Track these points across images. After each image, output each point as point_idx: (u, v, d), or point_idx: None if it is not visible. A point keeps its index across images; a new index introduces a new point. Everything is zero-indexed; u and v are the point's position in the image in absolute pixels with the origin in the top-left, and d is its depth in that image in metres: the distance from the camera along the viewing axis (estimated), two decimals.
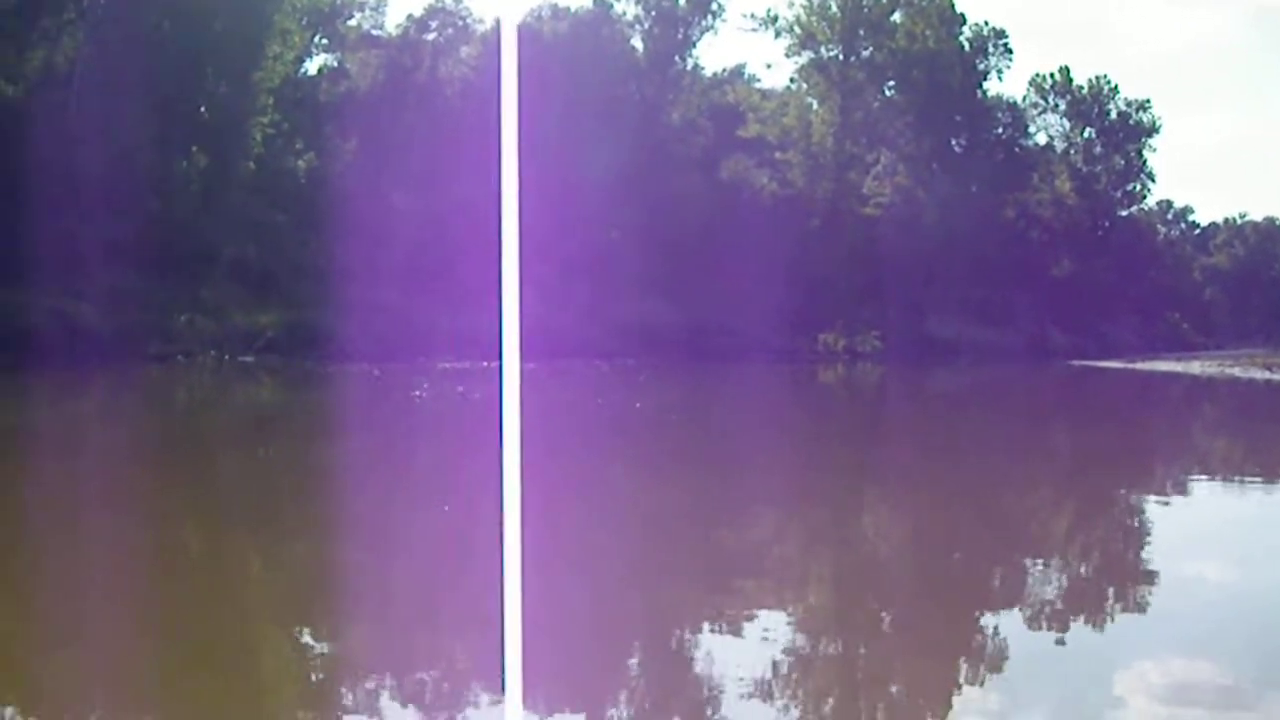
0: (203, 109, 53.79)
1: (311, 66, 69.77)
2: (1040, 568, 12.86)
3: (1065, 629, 10.29)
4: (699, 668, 9.02)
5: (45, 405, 30.65)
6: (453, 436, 25.22)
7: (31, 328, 38.54)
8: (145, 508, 15.28)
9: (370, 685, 8.25)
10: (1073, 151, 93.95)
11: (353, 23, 69.82)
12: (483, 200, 48.26)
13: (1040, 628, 10.30)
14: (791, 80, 79.52)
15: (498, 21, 65.70)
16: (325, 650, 9.19)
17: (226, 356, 43.21)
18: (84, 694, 7.77)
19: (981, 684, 8.78)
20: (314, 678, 8.55)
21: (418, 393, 34.70)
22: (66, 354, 38.29)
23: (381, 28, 68.85)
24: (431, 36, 64.56)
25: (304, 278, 50.87)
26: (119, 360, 39.49)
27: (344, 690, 8.16)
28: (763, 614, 10.48)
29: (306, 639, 9.58)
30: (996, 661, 9.28)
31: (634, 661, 9.43)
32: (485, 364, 45.39)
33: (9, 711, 7.24)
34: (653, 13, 69.06)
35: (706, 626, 10.13)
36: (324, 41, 69.83)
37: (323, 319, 47.65)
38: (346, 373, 40.61)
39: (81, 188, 44.98)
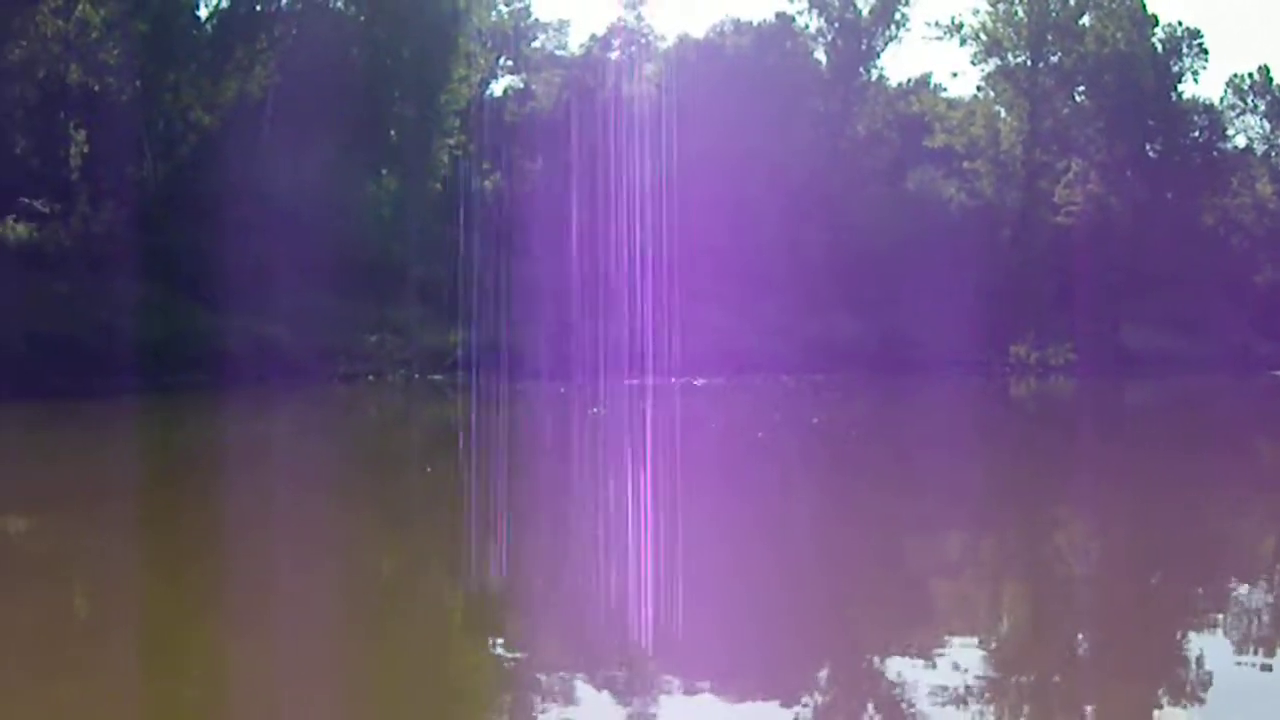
0: (391, 132, 54.41)
1: (497, 88, 70.45)
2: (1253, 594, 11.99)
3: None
4: (896, 691, 8.85)
5: (244, 422, 31.40)
6: (629, 452, 24.82)
7: (226, 349, 39.24)
8: (369, 517, 16.06)
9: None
10: (1274, 154, 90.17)
11: (536, 44, 70.21)
12: (663, 217, 48.12)
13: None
14: (978, 88, 77.65)
15: (681, 39, 65.80)
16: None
17: (415, 375, 43.48)
18: None
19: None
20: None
21: (596, 409, 34.40)
22: (259, 373, 38.92)
23: (565, 48, 69.20)
24: (614, 55, 64.50)
25: (491, 296, 51.00)
26: (309, 379, 40.05)
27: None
28: (956, 642, 10.02)
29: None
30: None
31: (828, 685, 9.22)
32: (671, 380, 45.08)
33: None
34: (836, 24, 68.11)
35: (897, 653, 9.80)
36: (509, 63, 70.38)
37: (510, 337, 47.70)
38: (533, 390, 40.56)
39: (274, 212, 45.71)
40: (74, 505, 16.63)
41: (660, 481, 20.23)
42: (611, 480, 20.32)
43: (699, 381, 46.22)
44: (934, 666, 9.37)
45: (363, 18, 53.84)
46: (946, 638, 10.28)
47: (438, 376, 43.80)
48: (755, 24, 66.77)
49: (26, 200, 42.84)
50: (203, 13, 51.60)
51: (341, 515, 16.35)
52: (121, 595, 11.59)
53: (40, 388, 33.00)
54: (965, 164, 73.74)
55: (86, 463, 21.73)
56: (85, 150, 46.11)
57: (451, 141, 55.83)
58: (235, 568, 12.55)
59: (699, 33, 67.47)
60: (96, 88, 47.11)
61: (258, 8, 52.22)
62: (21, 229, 41.40)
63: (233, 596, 11.42)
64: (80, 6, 45.15)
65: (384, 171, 55.82)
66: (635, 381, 44.32)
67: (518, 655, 9.86)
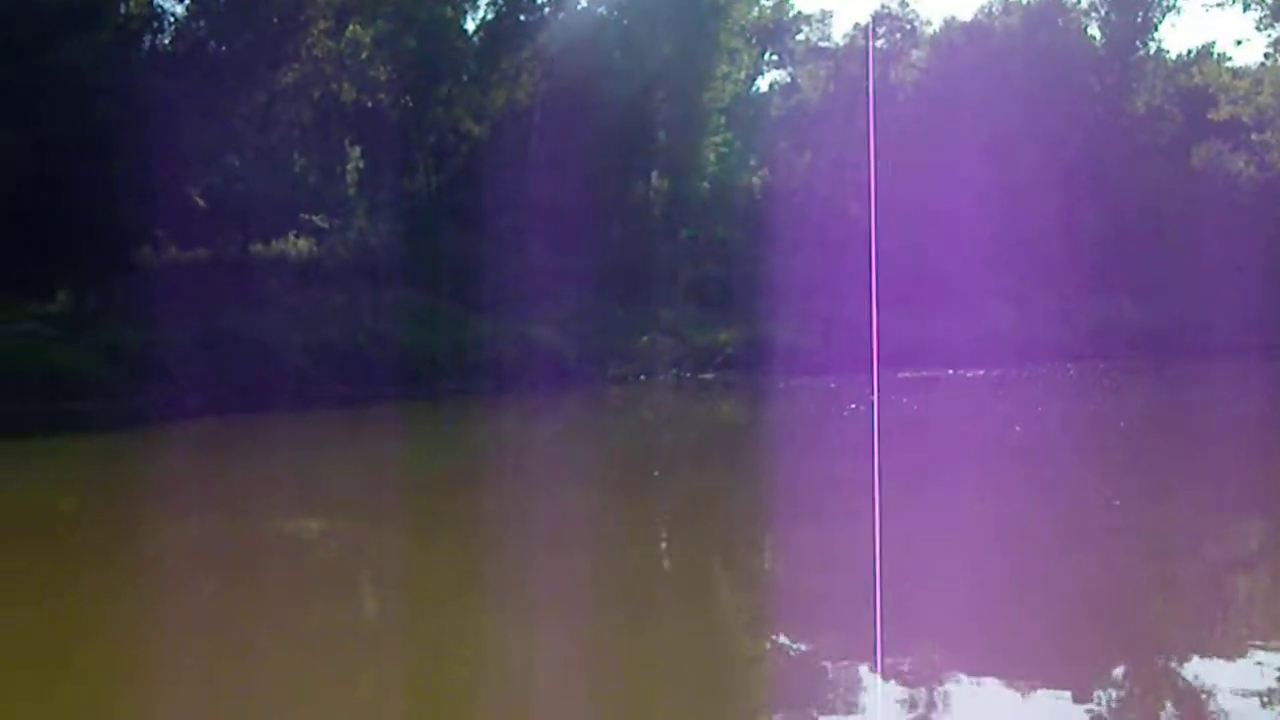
0: (660, 134, 54.02)
1: (763, 83, 69.53)
2: None
3: None
4: (1194, 690, 8.47)
5: (523, 426, 31.52)
6: (901, 447, 23.61)
7: (497, 355, 39.33)
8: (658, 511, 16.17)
9: None
10: None
11: (800, 37, 68.98)
12: (938, 205, 46.35)
13: None
14: (1266, 56, 73.04)
15: (947, 23, 63.72)
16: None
17: (686, 374, 42.86)
18: None
19: None
20: None
21: (853, 406, 33.14)
22: (529, 379, 38.88)
23: (829, 39, 67.69)
24: (879, 43, 62.79)
25: (761, 293, 50.10)
26: (580, 382, 39.87)
27: None
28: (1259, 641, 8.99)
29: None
30: None
31: (1122, 681, 8.84)
32: (950, 372, 43.46)
33: None
34: None
35: (1197, 652, 9.25)
36: (774, 57, 69.34)
37: (780, 333, 46.71)
38: (804, 386, 39.47)
39: (543, 218, 45.75)
40: (397, 507, 17.22)
41: (939, 475, 19.56)
42: (887, 475, 19.18)
43: (976, 373, 44.41)
44: (1235, 665, 8.83)
45: (624, 20, 53.55)
46: (1249, 637, 9.65)
47: (708, 375, 43.09)
48: (1024, 2, 64.16)
49: (306, 216, 43.81)
50: (469, 25, 52.09)
51: (643, 512, 16.59)
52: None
53: (320, 397, 33.50)
54: (1254, 136, 69.44)
55: (385, 467, 22.02)
56: (360, 165, 46.95)
57: (717, 139, 55.12)
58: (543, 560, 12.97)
59: (965, 15, 65.28)
60: (369, 104, 47.98)
61: (522, 17, 52.44)
62: (302, 244, 42.37)
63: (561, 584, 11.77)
64: (350, 27, 45.98)
65: (654, 174, 55.55)
66: (909, 374, 42.77)
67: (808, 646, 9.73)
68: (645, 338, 44.04)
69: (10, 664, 9.43)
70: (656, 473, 21.13)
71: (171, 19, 41.59)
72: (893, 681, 8.61)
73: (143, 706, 8.73)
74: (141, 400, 30.76)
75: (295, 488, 19.41)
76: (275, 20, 38.34)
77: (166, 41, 40.99)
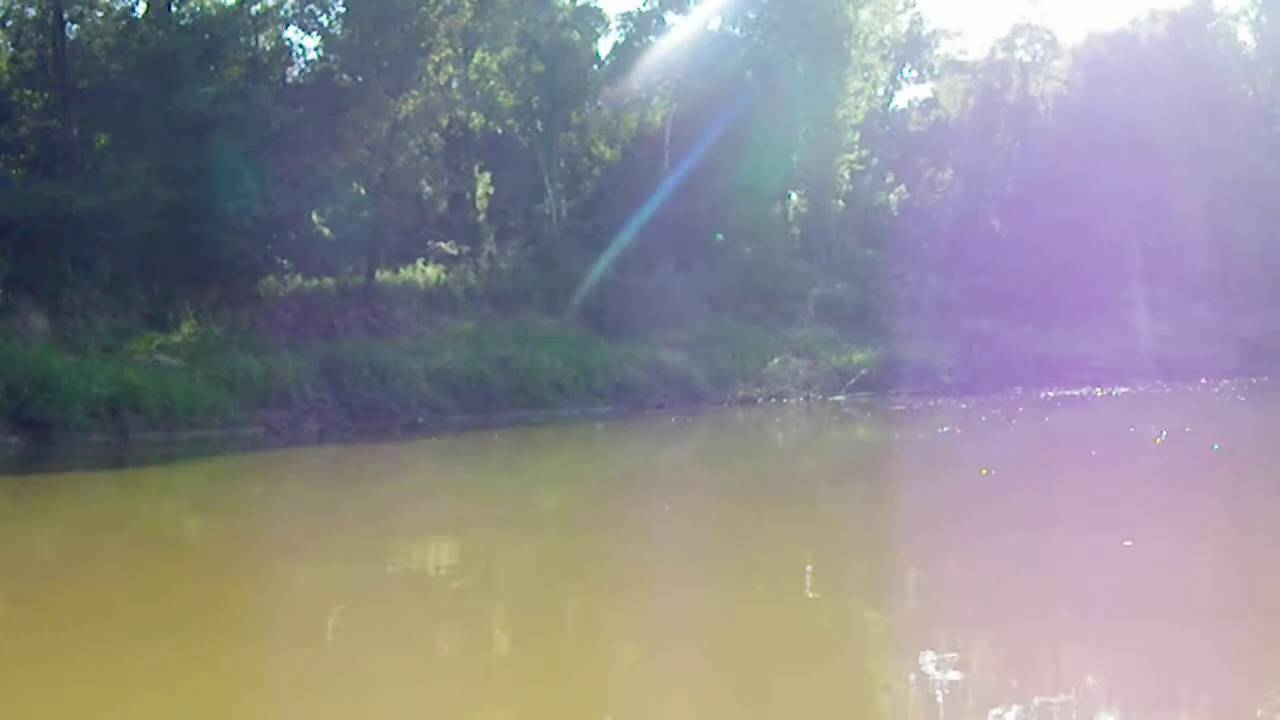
0: (793, 152, 53.00)
1: (900, 99, 68.18)
2: None
3: None
4: None
5: (654, 448, 30.89)
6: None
7: (625, 377, 38.75)
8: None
9: None
10: None
11: (939, 51, 67.48)
12: (1079, 222, 44.64)
13: None
14: None
15: (1090, 34, 61.77)
16: None
17: (817, 396, 41.70)
18: None
19: None
20: None
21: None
22: (657, 401, 38.26)
23: (966, 53, 66.05)
24: (1019, 55, 61.01)
25: (897, 313, 48.87)
26: (709, 405, 39.12)
27: None
28: None
29: None
30: None
31: None
32: (1096, 391, 41.80)
33: None
34: (1260, 1, 62.21)
35: None
36: (912, 73, 68.00)
37: (917, 353, 45.37)
38: (941, 407, 38.12)
39: (674, 238, 45.14)
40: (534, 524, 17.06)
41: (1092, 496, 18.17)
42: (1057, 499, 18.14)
43: (1122, 390, 42.60)
44: None
45: (755, 39, 52.74)
46: None
47: (840, 397, 41.87)
48: (1172, 10, 61.89)
49: (434, 243, 43.65)
50: (598, 49, 51.77)
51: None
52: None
53: (443, 424, 33.16)
54: None
55: (515, 492, 21.63)
56: (489, 191, 46.69)
57: (852, 156, 53.93)
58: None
59: (1108, 26, 63.19)
60: (498, 130, 47.75)
61: (651, 39, 51.95)
62: (431, 271, 42.14)
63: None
64: (477, 54, 45.80)
65: (791, 194, 54.59)
66: (1053, 393, 41.18)
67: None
68: (776, 359, 42.98)
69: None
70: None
71: (299, 51, 41.88)
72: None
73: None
74: (261, 428, 30.69)
75: (417, 512, 19.01)
76: (400, 49, 38.15)
77: (294, 74, 41.16)
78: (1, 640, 10.31)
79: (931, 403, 39.72)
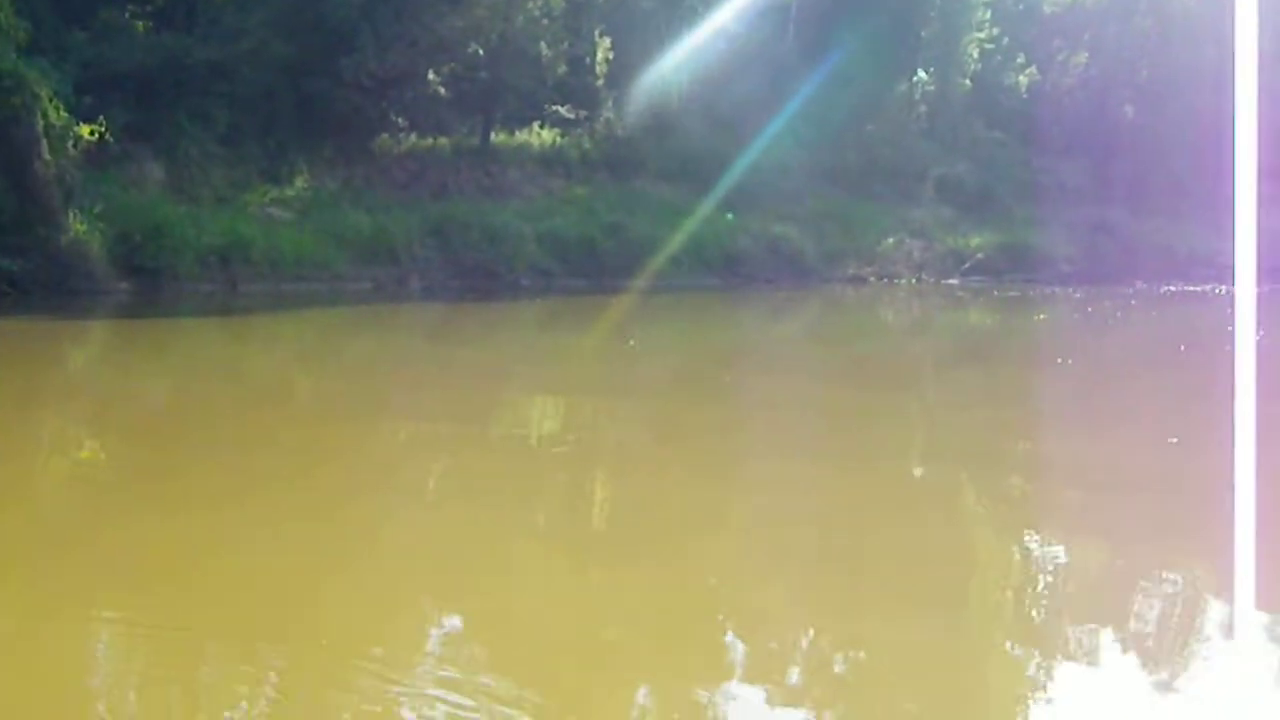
0: (921, 29, 51.61)
1: None
2: None
3: None
4: None
5: (764, 321, 30.77)
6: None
7: (738, 251, 38.37)
8: None
9: None
10: None
11: None
12: (1217, 112, 43.03)
13: None
14: None
15: None
16: None
17: (928, 279, 40.95)
18: None
19: None
20: None
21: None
22: (768, 276, 37.87)
23: None
24: None
25: (1020, 198, 47.71)
26: (819, 282, 38.73)
27: None
28: None
29: None
30: None
31: None
32: (1217, 289, 40.56)
33: None
34: None
35: None
36: None
37: (1035, 240, 44.36)
38: (1057, 296, 37.27)
39: (796, 114, 44.23)
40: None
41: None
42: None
43: (1248, 289, 41.15)
44: None
45: None
46: None
47: (953, 281, 41.08)
48: None
49: (551, 107, 43.21)
50: None
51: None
52: None
53: (550, 288, 33.13)
54: None
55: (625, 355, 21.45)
56: (610, 57, 46.00)
57: (982, 35, 52.40)
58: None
59: None
60: None
61: None
62: (546, 135, 41.81)
63: None
64: None
65: (918, 72, 53.24)
66: (1175, 288, 40.05)
67: None
68: (891, 239, 42.21)
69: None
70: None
71: None
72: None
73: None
74: (367, 283, 30.88)
75: (522, 373, 18.95)
76: None
77: None
78: (115, 486, 10.38)
79: (1047, 291, 38.87)
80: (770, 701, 5.84)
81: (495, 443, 12.94)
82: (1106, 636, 7.01)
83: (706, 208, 39.54)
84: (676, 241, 37.05)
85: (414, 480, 10.85)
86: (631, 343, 22.86)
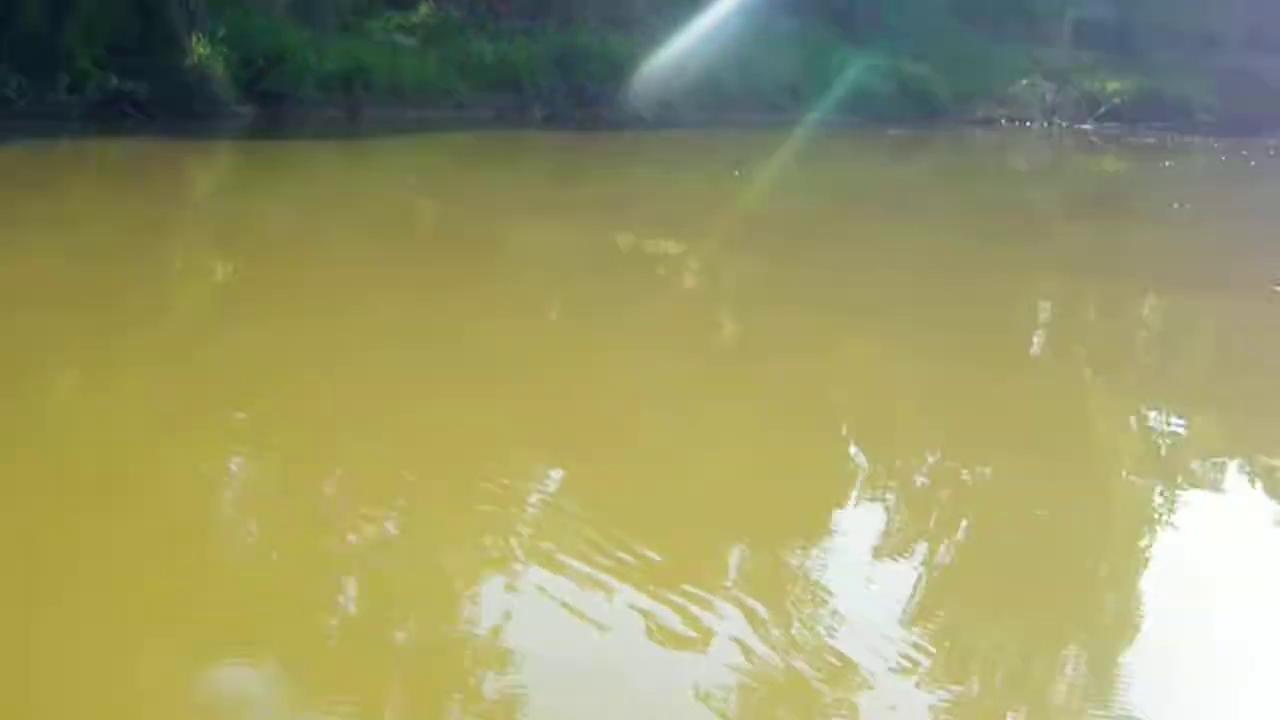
0: None
1: None
2: None
3: None
4: None
5: (890, 160, 30.62)
6: None
7: (870, 88, 37.38)
8: None
9: None
10: None
11: None
12: None
13: None
14: None
15: None
16: None
17: (1062, 123, 39.79)
18: None
19: None
20: None
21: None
22: (899, 113, 36.98)
23: None
24: None
25: (1160, 43, 45.87)
26: (948, 122, 38.00)
27: None
28: None
29: None
30: None
31: None
32: None
33: None
34: None
35: None
36: None
37: (1174, 88, 42.80)
38: (1189, 145, 36.14)
39: None
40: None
41: None
42: None
43: None
44: None
45: None
46: None
47: (1086, 126, 39.89)
48: None
49: None
50: None
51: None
52: None
53: (674, 119, 32.72)
54: None
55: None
56: None
57: None
58: None
59: None
60: None
61: None
62: None
63: None
64: None
65: None
66: None
67: None
68: (1024, 80, 40.99)
69: None
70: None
71: None
72: None
73: None
74: (488, 111, 30.79)
75: (643, 206, 19.02)
76: None
77: None
78: (242, 298, 10.60)
79: (1184, 139, 37.69)
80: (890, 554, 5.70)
81: (613, 268, 12.92)
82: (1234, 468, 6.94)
83: (835, 44, 38.63)
84: (804, 78, 36.32)
85: (534, 299, 10.89)
86: (736, 173, 22.64)
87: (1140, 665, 5.05)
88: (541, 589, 5.24)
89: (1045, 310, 12.75)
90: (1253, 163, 31.15)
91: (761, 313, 11.35)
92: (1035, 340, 11.30)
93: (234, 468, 6.43)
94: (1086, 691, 4.85)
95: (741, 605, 5.20)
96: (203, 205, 16.98)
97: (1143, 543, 6.23)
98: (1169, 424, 8.50)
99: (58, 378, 7.87)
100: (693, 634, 4.96)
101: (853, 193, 22.74)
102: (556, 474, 6.69)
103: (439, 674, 4.72)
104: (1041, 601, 5.55)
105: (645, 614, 5.06)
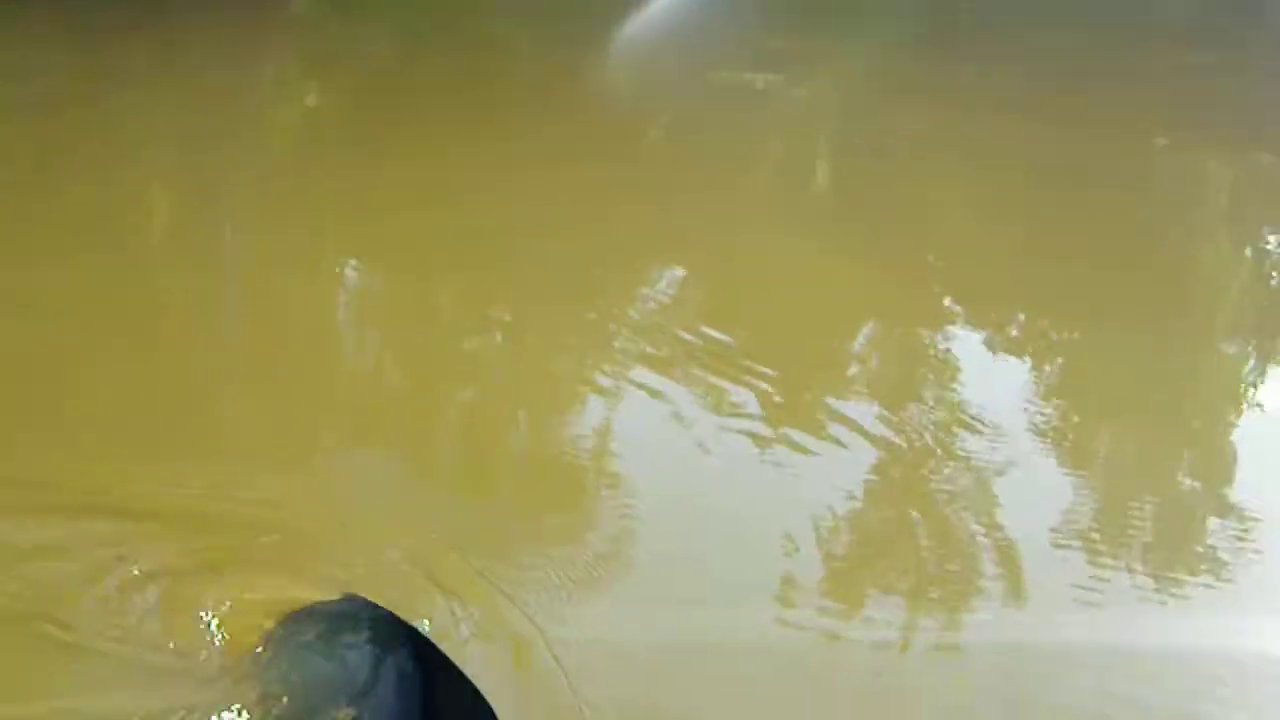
0: None
1: None
2: None
3: None
4: None
5: None
6: None
7: None
8: None
9: None
10: None
11: None
12: None
13: None
14: None
15: None
16: None
17: None
18: None
19: None
20: None
21: None
22: None
23: None
24: None
25: None
26: None
27: None
28: None
29: None
30: None
31: None
32: None
33: None
34: None
35: None
36: None
37: None
38: None
39: None
40: None
41: None
42: None
43: None
44: None
45: None
46: None
47: None
48: None
49: None
50: None
51: None
52: None
53: None
54: None
55: None
56: None
57: None
58: None
59: None
60: None
61: None
62: None
63: None
64: None
65: None
66: None
67: None
68: None
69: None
70: None
71: None
72: None
73: None
74: None
75: None
76: None
77: None
78: (342, 140, 10.18)
79: None
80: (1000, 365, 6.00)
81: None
82: None
83: None
84: None
85: (634, 137, 10.38)
86: None
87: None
88: (644, 398, 5.33)
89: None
90: None
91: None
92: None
93: (364, 285, 6.71)
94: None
95: (857, 412, 5.34)
96: (299, 30, 15.79)
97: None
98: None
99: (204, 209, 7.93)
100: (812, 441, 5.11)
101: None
102: (664, 294, 6.77)
103: (548, 474, 4.87)
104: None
105: (753, 433, 5.17)
